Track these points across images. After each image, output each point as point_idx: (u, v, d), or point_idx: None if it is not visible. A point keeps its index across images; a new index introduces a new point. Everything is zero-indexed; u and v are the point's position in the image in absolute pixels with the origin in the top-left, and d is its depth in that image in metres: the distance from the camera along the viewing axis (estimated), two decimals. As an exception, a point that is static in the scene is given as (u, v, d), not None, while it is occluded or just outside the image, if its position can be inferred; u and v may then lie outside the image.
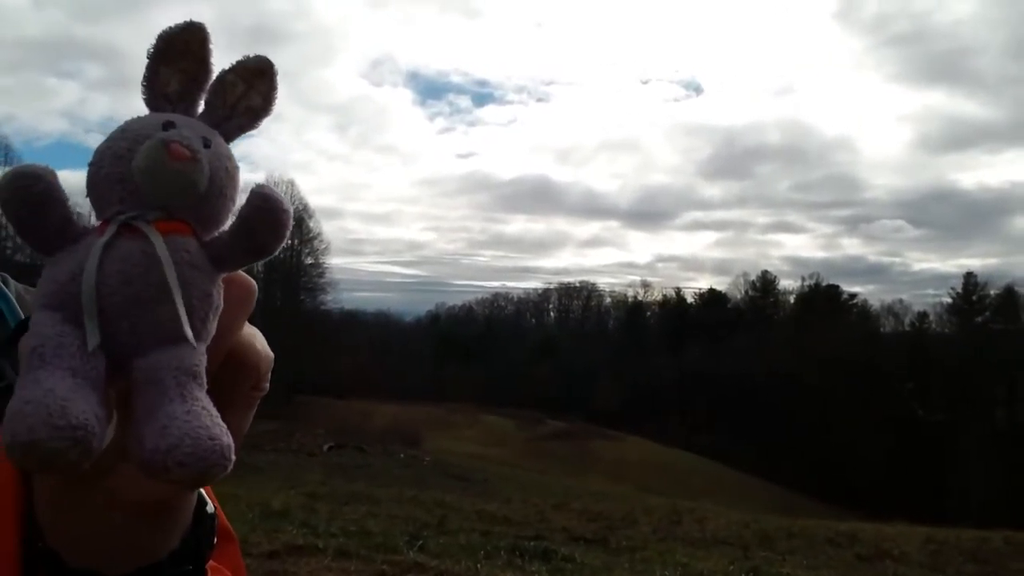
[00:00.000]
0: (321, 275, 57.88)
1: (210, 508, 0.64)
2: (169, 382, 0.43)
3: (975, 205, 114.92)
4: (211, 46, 0.52)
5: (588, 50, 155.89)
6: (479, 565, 8.27)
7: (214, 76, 0.53)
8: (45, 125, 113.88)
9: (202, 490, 0.61)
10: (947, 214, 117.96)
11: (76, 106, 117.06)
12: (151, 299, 0.44)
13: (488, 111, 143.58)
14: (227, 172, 0.49)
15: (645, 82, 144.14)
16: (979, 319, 65.71)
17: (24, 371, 0.42)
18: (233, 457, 0.43)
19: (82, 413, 0.40)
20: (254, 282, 0.52)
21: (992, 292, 65.69)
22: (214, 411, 0.44)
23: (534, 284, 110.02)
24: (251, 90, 0.53)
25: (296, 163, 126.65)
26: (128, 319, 0.44)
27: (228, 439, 0.43)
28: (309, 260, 56.89)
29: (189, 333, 0.44)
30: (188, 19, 0.51)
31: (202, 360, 0.45)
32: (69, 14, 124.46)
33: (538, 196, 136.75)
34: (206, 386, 0.45)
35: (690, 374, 66.63)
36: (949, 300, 68.29)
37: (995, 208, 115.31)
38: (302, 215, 54.87)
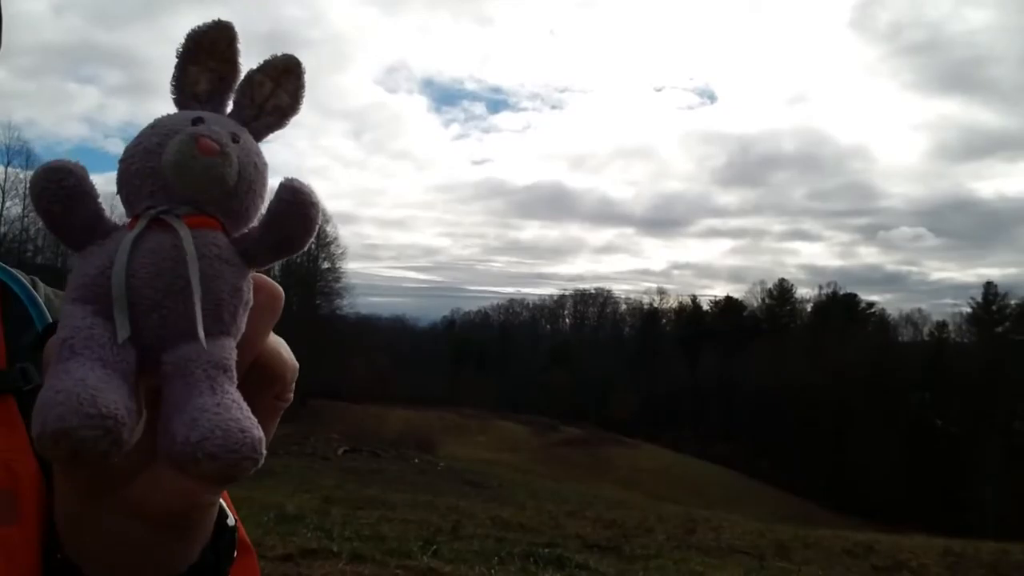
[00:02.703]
0: (337, 280, 58.14)
1: (231, 520, 0.63)
2: (199, 375, 0.43)
3: (993, 214, 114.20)
4: (239, 45, 0.52)
5: (602, 57, 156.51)
6: (493, 571, 8.26)
7: (242, 75, 0.53)
8: (65, 130, 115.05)
9: (223, 502, 0.60)
10: (965, 223, 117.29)
11: (95, 111, 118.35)
12: (181, 292, 0.44)
13: (502, 118, 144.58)
14: (256, 168, 0.49)
15: (659, 89, 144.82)
16: (999, 329, 65.04)
17: (54, 362, 0.42)
18: (264, 451, 0.43)
19: (112, 403, 0.40)
20: (281, 288, 0.52)
21: (1012, 302, 65.12)
22: (245, 405, 0.44)
23: (549, 290, 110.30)
24: (279, 89, 0.53)
25: (312, 168, 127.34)
26: (158, 312, 0.44)
27: (259, 432, 0.43)
28: (326, 265, 57.14)
29: (202, 333, 0.44)
30: (217, 18, 0.51)
31: (232, 354, 0.45)
32: (88, 20, 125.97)
33: (553, 202, 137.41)
34: (236, 381, 0.45)
35: (706, 382, 66.35)
36: (969, 310, 67.76)
37: (1014, 217, 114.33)
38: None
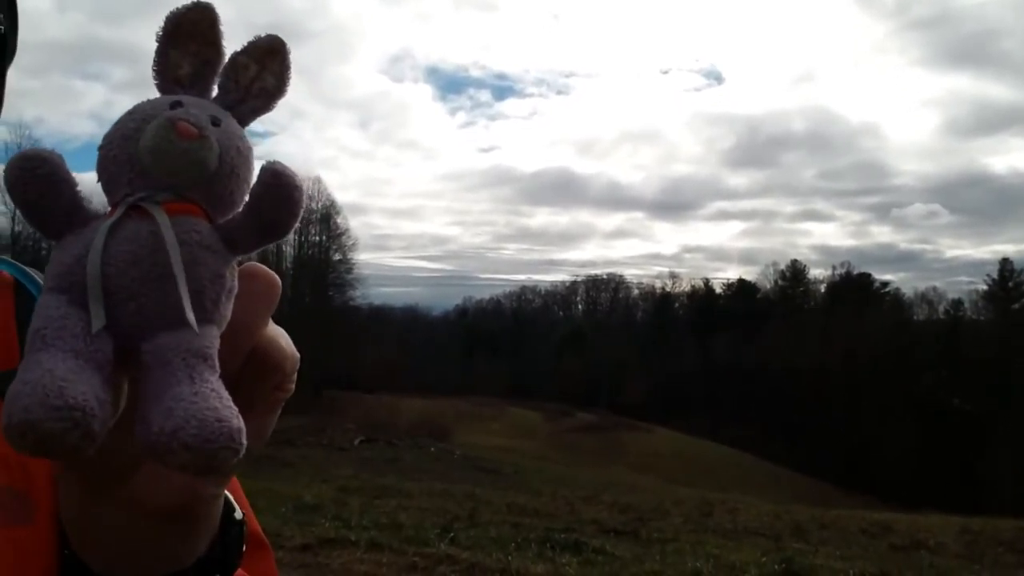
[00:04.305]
0: (349, 271, 58.23)
1: (238, 514, 0.62)
2: (178, 364, 0.42)
3: (1007, 190, 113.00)
4: (221, 27, 0.50)
5: (606, 41, 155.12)
6: (510, 557, 8.30)
7: (226, 58, 0.51)
8: (74, 127, 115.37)
9: (230, 496, 0.60)
10: (978, 199, 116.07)
11: (103, 108, 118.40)
12: (159, 280, 0.42)
13: (508, 104, 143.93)
14: (239, 151, 0.47)
15: (665, 72, 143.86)
16: (1015, 306, 64.58)
17: (26, 354, 0.41)
18: (244, 441, 0.40)
19: (81, 395, 0.38)
20: (277, 276, 0.50)
21: (1028, 278, 64.59)
22: (225, 394, 0.42)
23: (561, 277, 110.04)
24: (264, 71, 0.51)
25: (320, 160, 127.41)
26: (136, 301, 0.42)
27: (238, 422, 0.40)
28: (337, 256, 57.27)
29: (191, 317, 0.42)
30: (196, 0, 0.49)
31: (214, 342, 0.44)
32: (91, 16, 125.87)
33: (561, 188, 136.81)
34: (219, 370, 0.43)
35: (719, 365, 66.27)
36: (984, 287, 67.28)
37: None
38: (330, 211, 55.34)
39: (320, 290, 55.09)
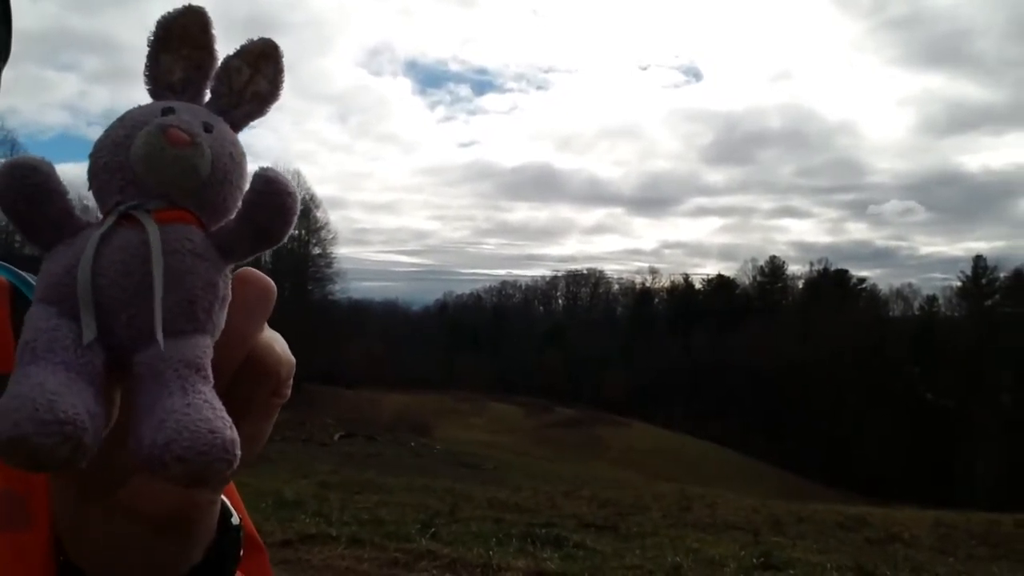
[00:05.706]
0: (329, 265, 57.99)
1: (235, 519, 0.61)
2: (170, 375, 0.41)
3: (980, 188, 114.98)
4: (213, 31, 0.49)
5: (585, 37, 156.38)
6: (491, 552, 8.32)
7: (219, 63, 0.50)
8: (47, 118, 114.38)
9: (226, 500, 0.59)
10: (952, 197, 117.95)
11: (77, 99, 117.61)
12: (150, 291, 0.42)
13: (488, 99, 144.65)
14: (231, 158, 0.46)
15: (644, 68, 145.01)
16: (988, 302, 65.42)
17: (16, 366, 0.40)
18: (238, 452, 0.40)
19: (71, 407, 0.38)
20: (272, 282, 0.49)
21: (1001, 275, 65.51)
22: (218, 404, 0.41)
23: (540, 271, 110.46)
24: (257, 74, 0.50)
25: (298, 153, 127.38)
26: (127, 311, 0.42)
27: (231, 433, 0.40)
28: (317, 250, 57.00)
29: (159, 334, 0.41)
30: (187, 3, 0.48)
31: (207, 352, 0.43)
32: (64, 6, 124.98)
33: (541, 184, 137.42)
34: (212, 379, 0.42)
35: (699, 360, 66.62)
36: (958, 283, 68.13)
37: (1000, 191, 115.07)
38: (309, 205, 54.95)
39: (300, 284, 54.80)
